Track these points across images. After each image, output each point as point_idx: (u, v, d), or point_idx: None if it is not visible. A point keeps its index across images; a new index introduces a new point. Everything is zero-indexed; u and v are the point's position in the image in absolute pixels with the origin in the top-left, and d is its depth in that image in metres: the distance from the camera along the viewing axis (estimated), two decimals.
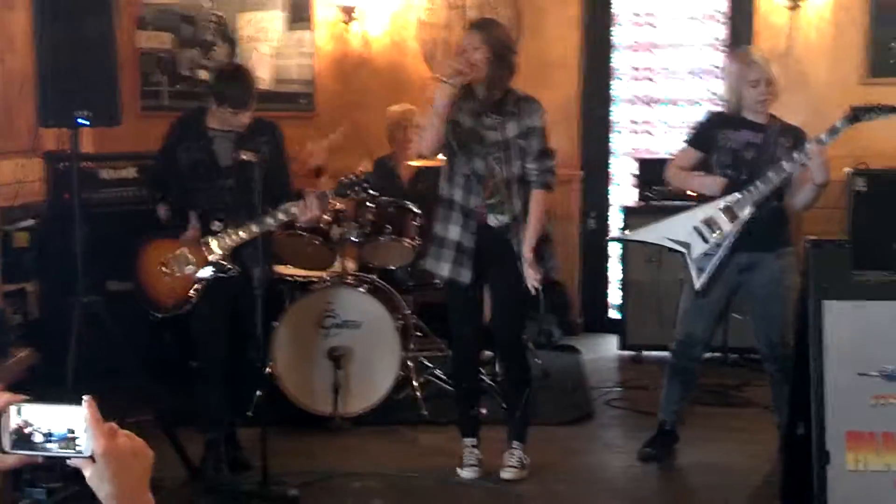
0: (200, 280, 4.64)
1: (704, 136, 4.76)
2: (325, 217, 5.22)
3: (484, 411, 5.01)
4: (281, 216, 4.52)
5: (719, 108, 4.96)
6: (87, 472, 1.52)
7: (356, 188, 4.59)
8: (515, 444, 4.78)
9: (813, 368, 3.78)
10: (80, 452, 1.51)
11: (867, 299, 3.79)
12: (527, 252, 4.49)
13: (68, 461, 1.52)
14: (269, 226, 4.53)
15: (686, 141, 4.88)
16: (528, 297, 4.61)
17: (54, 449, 1.51)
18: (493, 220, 4.55)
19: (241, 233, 4.57)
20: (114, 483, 1.50)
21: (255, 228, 4.53)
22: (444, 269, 4.61)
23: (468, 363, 4.88)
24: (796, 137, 4.64)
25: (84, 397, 1.53)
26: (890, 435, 3.72)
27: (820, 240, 3.98)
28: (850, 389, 3.74)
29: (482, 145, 4.49)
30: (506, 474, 4.70)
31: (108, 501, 1.53)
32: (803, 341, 3.93)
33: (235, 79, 4.76)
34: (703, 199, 4.76)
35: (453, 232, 4.56)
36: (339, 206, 5.51)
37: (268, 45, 7.30)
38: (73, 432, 1.51)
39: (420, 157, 4.73)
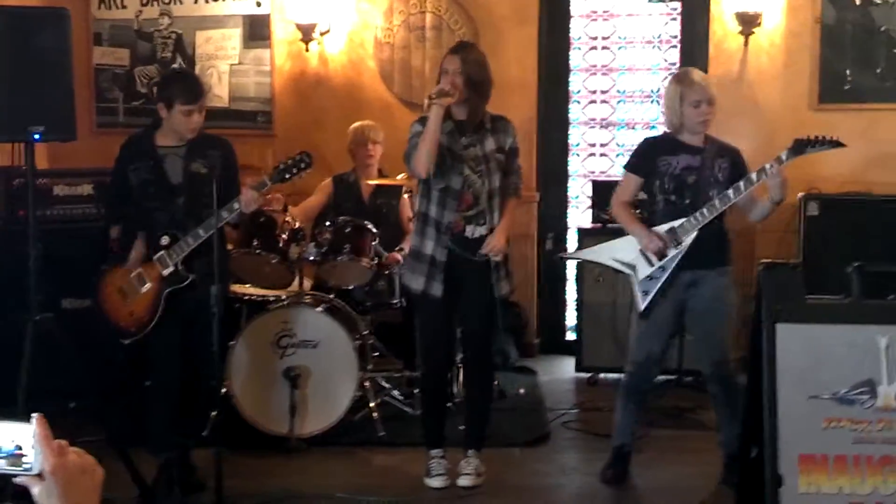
0: (161, 296, 4.63)
1: (643, 162, 4.82)
2: (271, 202, 5.21)
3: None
4: (224, 214, 4.51)
5: (654, 134, 5.02)
6: (35, 490, 1.50)
7: (294, 170, 4.60)
8: (471, 452, 4.88)
9: (766, 391, 3.81)
10: (28, 469, 1.49)
11: (820, 322, 3.83)
12: (498, 234, 4.65)
13: (15, 479, 1.51)
14: (213, 227, 4.48)
15: (625, 168, 4.95)
16: (497, 309, 4.73)
17: (2, 465, 1.49)
18: (471, 232, 4.66)
19: (189, 240, 4.57)
20: (63, 501, 1.49)
21: (201, 232, 4.54)
22: (418, 283, 4.72)
23: (439, 376, 4.97)
24: (733, 158, 4.74)
25: (33, 414, 1.51)
26: (842, 457, 3.75)
27: (773, 262, 4.02)
28: (802, 412, 3.77)
29: (461, 162, 4.61)
30: (463, 481, 4.79)
31: None
32: (756, 364, 3.96)
33: (181, 78, 4.81)
34: (650, 221, 4.82)
35: (427, 246, 4.69)
36: (296, 225, 5.51)
37: (226, 63, 7.28)
38: (21, 449, 1.49)
39: (415, 177, 4.80)
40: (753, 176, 4.55)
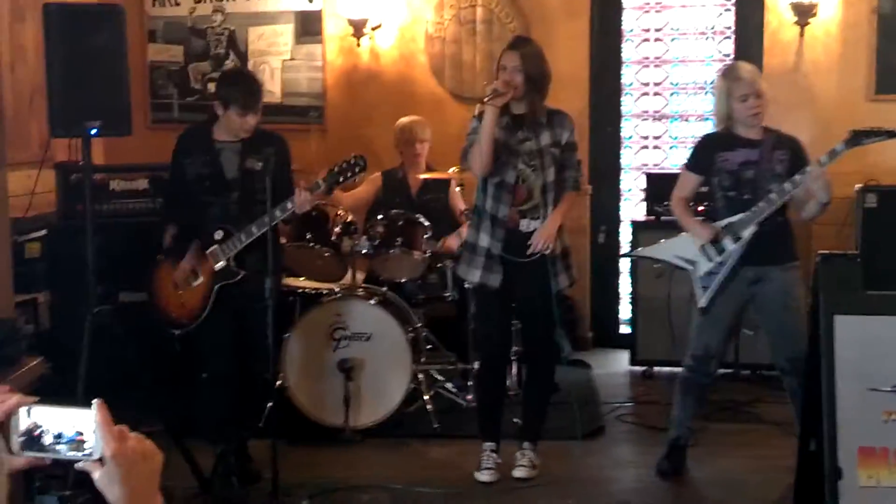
0: (213, 290, 4.68)
1: (701, 159, 4.78)
2: (323, 203, 5.22)
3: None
4: (277, 213, 4.55)
5: (713, 130, 4.97)
6: (95, 475, 1.51)
7: (348, 173, 4.60)
8: (527, 444, 4.90)
9: (824, 384, 3.78)
10: (89, 455, 1.50)
11: (878, 314, 3.79)
12: (544, 228, 4.63)
13: (77, 464, 1.52)
14: (267, 225, 4.51)
15: (685, 166, 4.92)
16: (556, 301, 4.73)
17: (63, 451, 1.50)
18: (526, 226, 4.65)
19: (242, 237, 4.61)
20: (123, 485, 1.50)
21: (254, 230, 4.58)
22: (475, 275, 4.74)
23: (496, 368, 4.97)
24: (793, 148, 4.68)
25: (94, 400, 1.53)
26: None
27: (831, 254, 3.99)
28: (861, 405, 3.74)
29: (515, 157, 4.62)
30: (518, 472, 4.81)
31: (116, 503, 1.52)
32: (814, 356, 3.92)
33: (240, 80, 4.83)
34: (709, 216, 4.78)
35: (483, 239, 4.70)
36: (349, 218, 5.53)
37: (278, 59, 7.32)
38: (82, 435, 1.50)
39: (474, 175, 4.79)
40: (809, 168, 4.49)
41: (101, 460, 1.50)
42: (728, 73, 4.75)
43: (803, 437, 4.04)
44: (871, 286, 3.84)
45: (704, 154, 4.77)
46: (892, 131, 4.48)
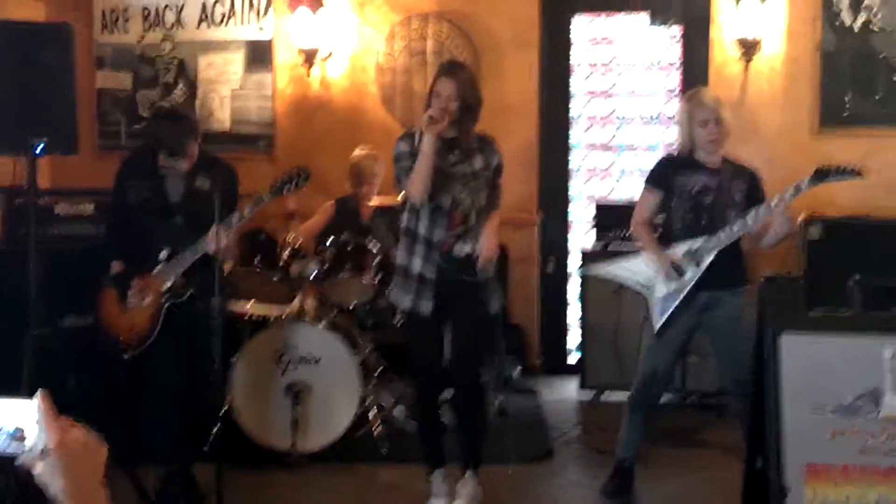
0: (160, 310, 4.62)
1: (662, 177, 4.84)
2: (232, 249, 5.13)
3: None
4: (223, 230, 4.47)
5: (673, 152, 5.04)
6: (37, 469, 1.46)
7: (291, 184, 4.57)
8: (469, 473, 4.79)
9: (770, 402, 3.81)
10: (31, 448, 1.46)
11: (823, 333, 3.83)
12: (487, 242, 4.59)
13: (18, 459, 1.47)
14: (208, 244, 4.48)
15: (646, 183, 4.94)
16: (488, 328, 4.67)
17: (3, 445, 1.46)
18: (459, 250, 4.61)
19: (188, 254, 4.57)
20: (67, 478, 1.46)
21: (200, 246, 4.52)
22: (406, 301, 4.65)
23: (431, 396, 4.88)
24: (749, 179, 4.76)
25: (38, 391, 1.49)
26: (847, 467, 3.74)
27: (775, 275, 4.04)
28: (807, 423, 3.76)
29: (450, 181, 4.58)
30: (460, 502, 4.71)
31: (60, 497, 1.47)
32: (759, 376, 3.96)
33: (169, 123, 4.78)
34: (667, 239, 4.83)
35: (416, 264, 4.62)
36: (298, 243, 5.51)
37: (228, 87, 7.31)
38: (22, 431, 1.46)
39: (410, 200, 4.72)
40: (773, 202, 4.56)
41: (43, 452, 1.46)
42: (691, 98, 4.83)
43: (750, 455, 4.05)
44: (814, 305, 3.89)
45: (664, 172, 4.83)
46: (856, 170, 4.55)
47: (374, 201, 6.11)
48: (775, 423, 3.78)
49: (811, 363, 3.81)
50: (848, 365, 3.80)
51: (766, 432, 3.84)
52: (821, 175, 4.53)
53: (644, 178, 4.97)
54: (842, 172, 4.54)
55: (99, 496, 1.52)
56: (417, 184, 4.52)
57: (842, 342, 3.83)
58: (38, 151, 4.36)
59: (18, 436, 1.46)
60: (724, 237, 4.62)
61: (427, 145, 4.47)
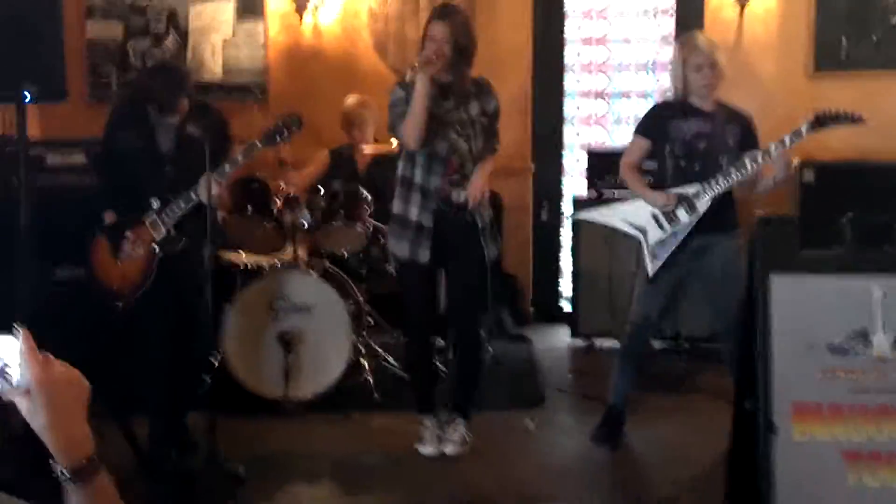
0: (153, 259, 4.60)
1: (653, 125, 4.80)
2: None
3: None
4: (216, 177, 4.43)
5: (666, 99, 5.00)
6: (21, 405, 1.49)
7: (284, 131, 4.53)
8: (458, 419, 4.83)
9: (760, 342, 3.80)
10: (13, 383, 1.47)
11: (814, 273, 3.82)
12: (476, 181, 4.58)
13: (2, 393, 1.49)
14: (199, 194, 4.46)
15: (635, 131, 4.91)
16: (484, 275, 4.65)
17: None
18: (457, 196, 4.60)
19: (181, 203, 4.53)
20: (49, 412, 1.48)
21: (193, 196, 4.50)
22: (403, 250, 4.65)
23: (425, 343, 4.89)
24: (743, 123, 4.72)
25: (17, 328, 1.49)
26: (836, 406, 3.74)
27: (768, 216, 4.01)
28: (796, 362, 3.75)
29: (446, 127, 4.55)
30: (448, 448, 4.76)
31: (42, 432, 1.49)
32: (750, 317, 3.95)
33: (160, 78, 4.71)
34: (656, 183, 4.80)
35: (413, 212, 4.61)
36: (291, 192, 5.49)
37: (219, 37, 7.26)
38: (5, 363, 1.48)
39: (404, 147, 4.68)
40: (772, 148, 4.52)
41: (27, 390, 1.48)
42: (685, 43, 4.77)
43: (738, 397, 4.06)
44: (807, 246, 3.88)
45: (656, 120, 4.79)
46: (854, 116, 4.51)
47: (368, 150, 6.08)
48: (764, 364, 3.78)
49: (801, 303, 3.79)
50: (838, 304, 3.79)
51: (755, 373, 3.85)
52: (820, 121, 4.49)
53: (635, 126, 4.95)
54: (842, 118, 4.51)
55: (82, 429, 1.54)
56: (411, 127, 4.49)
57: (832, 282, 3.81)
58: (27, 99, 4.33)
59: (1, 371, 1.48)
60: (721, 182, 4.59)
61: (420, 87, 4.43)
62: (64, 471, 1.50)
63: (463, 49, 4.54)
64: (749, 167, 4.55)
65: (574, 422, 5.37)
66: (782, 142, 4.49)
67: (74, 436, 1.52)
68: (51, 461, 1.51)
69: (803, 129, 4.48)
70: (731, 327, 4.59)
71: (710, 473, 4.44)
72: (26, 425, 1.52)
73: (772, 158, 4.51)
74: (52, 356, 1.53)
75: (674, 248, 4.69)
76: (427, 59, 4.45)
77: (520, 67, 7.15)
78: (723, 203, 4.68)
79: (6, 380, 1.48)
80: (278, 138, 4.56)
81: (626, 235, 4.96)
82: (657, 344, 6.22)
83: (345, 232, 5.54)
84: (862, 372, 3.74)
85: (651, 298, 4.80)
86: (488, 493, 4.43)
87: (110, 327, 5.46)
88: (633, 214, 4.84)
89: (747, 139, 4.68)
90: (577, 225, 6.56)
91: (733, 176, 4.58)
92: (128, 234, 4.67)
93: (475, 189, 4.58)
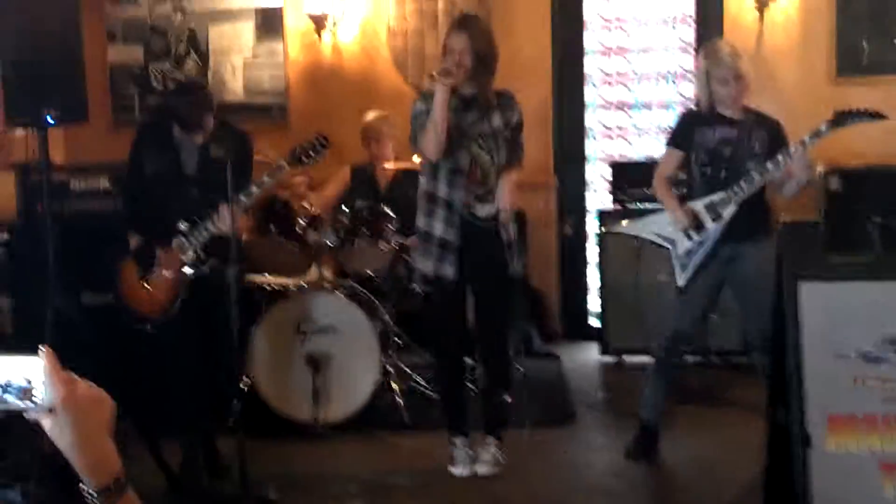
0: (181, 281, 4.60)
1: (682, 135, 4.77)
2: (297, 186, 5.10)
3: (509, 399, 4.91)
4: (242, 199, 4.44)
5: (693, 108, 4.97)
6: (46, 425, 1.48)
7: (310, 153, 4.51)
8: (490, 439, 4.79)
9: (791, 352, 3.76)
10: (38, 404, 1.46)
11: (843, 280, 3.78)
12: (506, 191, 4.55)
13: (27, 413, 1.48)
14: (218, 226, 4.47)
15: (667, 143, 4.89)
16: (512, 292, 4.62)
17: (12, 400, 1.46)
18: (480, 211, 4.56)
19: (209, 225, 4.53)
20: (75, 432, 1.47)
21: (211, 227, 4.50)
22: (428, 266, 4.61)
23: (455, 362, 4.85)
24: (771, 129, 4.67)
25: (41, 347, 1.49)
26: (871, 416, 3.69)
27: (794, 222, 3.99)
28: (829, 372, 3.71)
29: (468, 139, 4.52)
30: (481, 468, 4.71)
31: (68, 451, 1.49)
32: (780, 325, 3.91)
33: (186, 98, 4.70)
34: (689, 195, 4.77)
35: (437, 228, 4.58)
36: (315, 211, 5.49)
37: (240, 57, 7.28)
38: (30, 383, 1.46)
39: (424, 159, 4.66)
40: (792, 149, 4.49)
41: (51, 409, 1.46)
42: (708, 55, 4.72)
43: (772, 409, 4.01)
44: (833, 251, 3.84)
45: (685, 129, 4.77)
46: (875, 113, 4.47)
47: (390, 166, 6.07)
48: (796, 373, 3.73)
49: (831, 311, 3.75)
50: (869, 312, 3.75)
51: (786, 384, 3.80)
52: (840, 118, 4.45)
53: (666, 137, 4.92)
54: (861, 115, 4.46)
55: (108, 448, 1.53)
56: (431, 138, 4.46)
57: (861, 288, 3.77)
58: (49, 122, 4.34)
59: (26, 392, 1.46)
60: (745, 187, 4.55)
61: (439, 96, 4.40)
62: (91, 492, 1.50)
63: (483, 59, 4.50)
64: (771, 168, 4.51)
65: (605, 439, 5.32)
66: (802, 142, 4.45)
67: (100, 455, 1.52)
68: (80, 484, 1.51)
69: (823, 128, 4.44)
70: (765, 339, 4.55)
71: (747, 489, 4.40)
72: (54, 446, 1.52)
73: (792, 159, 4.46)
74: (75, 375, 1.52)
75: (703, 257, 4.65)
76: (446, 70, 4.42)
77: (539, 80, 7.12)
78: (753, 210, 4.63)
79: (32, 400, 1.47)
80: (305, 159, 4.55)
81: (656, 246, 4.92)
82: (689, 357, 6.16)
83: (369, 251, 5.52)
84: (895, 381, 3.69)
85: (684, 311, 4.76)
86: None
87: (139, 350, 5.48)
88: (662, 225, 4.81)
89: (775, 144, 4.62)
90: (603, 239, 6.52)
91: (757, 179, 4.54)
92: (160, 256, 4.67)
93: (506, 201, 4.55)
